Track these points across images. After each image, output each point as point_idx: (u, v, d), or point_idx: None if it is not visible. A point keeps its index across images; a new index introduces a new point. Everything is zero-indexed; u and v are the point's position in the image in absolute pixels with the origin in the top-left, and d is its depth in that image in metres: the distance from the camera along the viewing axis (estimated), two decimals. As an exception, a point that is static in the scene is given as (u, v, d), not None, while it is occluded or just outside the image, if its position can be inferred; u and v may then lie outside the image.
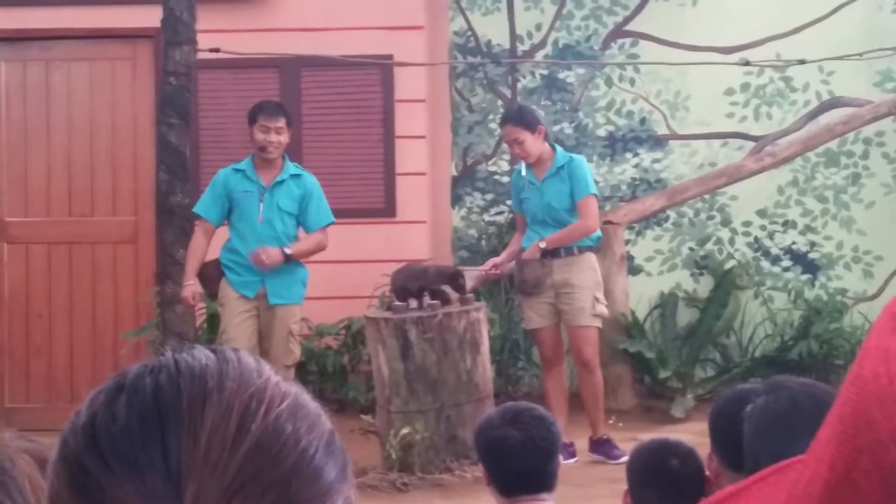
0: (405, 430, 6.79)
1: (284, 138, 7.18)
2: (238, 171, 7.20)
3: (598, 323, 7.35)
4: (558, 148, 7.51)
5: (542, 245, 7.25)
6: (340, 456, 0.90)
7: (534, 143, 7.29)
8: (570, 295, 7.27)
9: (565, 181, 7.31)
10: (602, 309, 7.33)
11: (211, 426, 0.86)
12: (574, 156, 7.52)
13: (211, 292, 7.35)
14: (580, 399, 7.52)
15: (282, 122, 7.17)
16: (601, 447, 7.37)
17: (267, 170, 7.18)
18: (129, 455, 0.85)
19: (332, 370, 8.32)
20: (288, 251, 7.07)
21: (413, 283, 7.16)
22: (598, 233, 7.48)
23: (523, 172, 7.49)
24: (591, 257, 7.38)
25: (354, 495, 0.91)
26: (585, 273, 7.29)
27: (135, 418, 0.87)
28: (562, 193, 7.31)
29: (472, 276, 7.76)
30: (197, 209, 7.20)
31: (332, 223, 7.29)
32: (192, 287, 7.08)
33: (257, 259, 6.99)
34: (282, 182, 7.17)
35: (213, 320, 8.27)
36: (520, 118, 7.38)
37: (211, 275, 7.25)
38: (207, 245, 7.16)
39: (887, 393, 0.61)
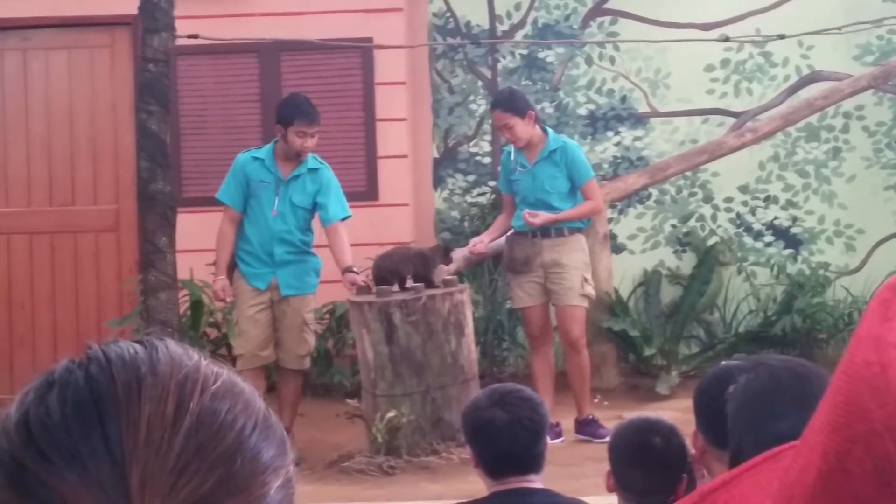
0: (391, 414, 6.79)
1: (316, 140, 7.20)
2: (257, 159, 7.19)
3: (585, 303, 7.39)
4: (550, 131, 7.51)
5: (555, 217, 7.22)
6: (278, 434, 0.90)
7: (523, 128, 7.28)
8: (560, 274, 7.29)
9: (559, 165, 7.32)
10: (590, 289, 7.37)
11: (149, 410, 0.86)
12: (567, 140, 7.53)
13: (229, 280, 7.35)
14: (567, 378, 7.54)
15: (317, 127, 7.18)
16: (587, 427, 7.40)
17: (286, 162, 7.19)
18: (69, 446, 0.85)
19: (316, 355, 8.31)
20: (353, 268, 7.14)
21: (406, 269, 7.14)
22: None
23: (512, 155, 7.49)
24: (580, 238, 7.42)
25: (294, 474, 0.91)
26: (575, 253, 7.32)
27: (70, 410, 0.86)
28: (555, 177, 7.32)
29: (456, 257, 7.76)
30: (221, 197, 7.20)
31: (349, 217, 7.30)
32: (222, 280, 7.10)
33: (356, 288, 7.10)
34: (298, 176, 7.18)
35: (197, 307, 8.27)
36: (509, 103, 7.33)
37: (229, 265, 7.24)
38: (234, 234, 7.16)
39: (879, 381, 0.61)
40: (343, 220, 7.24)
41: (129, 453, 0.84)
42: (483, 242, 7.61)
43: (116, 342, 0.92)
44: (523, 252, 7.36)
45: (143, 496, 0.84)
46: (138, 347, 0.91)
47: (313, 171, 7.24)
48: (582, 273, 7.31)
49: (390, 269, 7.19)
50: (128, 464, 0.84)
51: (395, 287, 7.11)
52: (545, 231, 7.30)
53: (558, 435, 7.26)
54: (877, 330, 0.63)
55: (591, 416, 7.44)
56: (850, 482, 0.61)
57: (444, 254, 7.39)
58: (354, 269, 7.15)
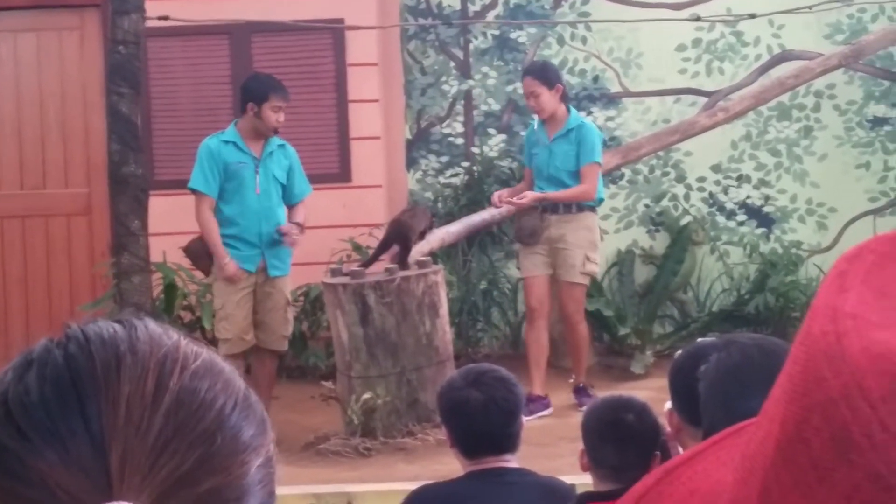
0: (366, 395, 6.80)
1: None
2: (227, 142, 7.15)
3: (585, 281, 7.57)
4: (573, 110, 7.68)
5: (542, 196, 7.42)
6: (258, 413, 0.90)
7: (549, 99, 7.46)
8: (563, 251, 7.44)
9: (573, 144, 7.48)
10: (592, 268, 7.55)
11: (128, 388, 0.86)
12: (585, 121, 7.73)
13: (202, 269, 7.32)
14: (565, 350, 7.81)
15: (288, 101, 7.23)
16: (577, 394, 7.62)
17: (255, 141, 7.19)
18: (48, 425, 0.85)
19: (291, 337, 8.31)
20: (302, 227, 7.25)
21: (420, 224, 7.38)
22: (601, 194, 7.69)
23: (535, 127, 7.69)
24: (588, 216, 7.55)
25: (275, 451, 0.91)
26: (580, 232, 7.46)
27: (49, 389, 0.86)
28: (567, 155, 7.48)
29: (431, 238, 7.77)
30: (199, 186, 7.09)
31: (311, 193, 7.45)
32: (233, 263, 7.04)
33: (291, 240, 7.13)
34: (272, 153, 7.22)
35: (170, 290, 8.24)
36: (540, 72, 7.59)
37: (200, 251, 7.20)
38: None
39: (835, 350, 0.62)
40: (306, 197, 7.40)
41: (109, 432, 0.84)
42: (507, 194, 7.68)
43: (96, 321, 0.91)
44: (530, 223, 7.52)
45: (123, 475, 0.83)
46: (117, 326, 0.90)
47: (281, 146, 7.32)
48: (585, 252, 7.46)
49: (412, 230, 7.32)
50: (107, 443, 0.84)
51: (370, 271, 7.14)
52: (554, 207, 7.48)
53: (546, 406, 7.44)
54: (833, 300, 0.64)
55: (582, 385, 7.64)
56: (809, 451, 0.62)
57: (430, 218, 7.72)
58: (300, 227, 7.25)
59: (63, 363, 0.87)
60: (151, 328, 0.91)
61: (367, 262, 7.37)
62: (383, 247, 7.33)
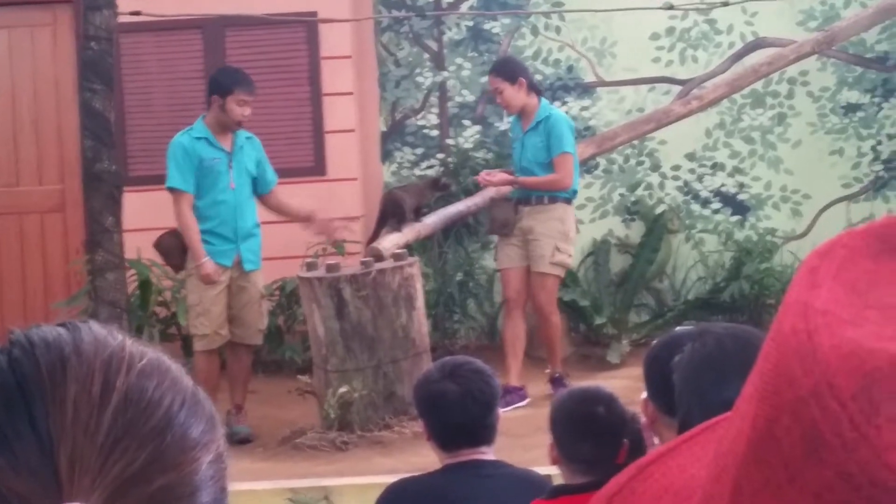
0: (343, 389, 6.79)
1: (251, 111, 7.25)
2: (200, 138, 7.11)
3: (556, 272, 7.59)
4: (544, 101, 7.68)
5: (512, 178, 7.54)
6: (207, 410, 0.90)
7: (513, 95, 7.50)
8: (533, 242, 7.49)
9: (542, 136, 7.50)
10: (563, 258, 7.55)
11: (75, 390, 0.86)
12: (553, 111, 7.71)
13: (173, 264, 7.28)
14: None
15: (254, 97, 7.19)
16: (553, 384, 7.61)
17: (223, 135, 7.17)
18: None
19: (267, 331, 8.30)
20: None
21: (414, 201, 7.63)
22: (576, 186, 7.69)
23: (513, 122, 7.81)
24: (560, 208, 7.57)
25: (225, 448, 0.91)
26: (550, 222, 7.49)
27: None
28: (537, 147, 7.52)
29: (406, 230, 7.77)
30: (178, 185, 7.04)
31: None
32: (210, 262, 7.01)
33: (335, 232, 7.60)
34: (241, 147, 7.21)
35: (145, 287, 8.21)
36: (500, 69, 7.67)
37: (171, 246, 7.16)
38: None
39: (807, 348, 0.62)
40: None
41: (57, 434, 0.84)
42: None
43: (39, 326, 0.91)
44: (502, 215, 7.62)
45: (73, 476, 0.83)
46: (61, 329, 0.90)
47: (249, 139, 7.31)
48: (555, 242, 7.48)
49: (401, 203, 7.56)
50: (56, 445, 0.84)
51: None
52: (527, 198, 7.54)
53: (523, 398, 7.45)
54: (804, 297, 0.64)
55: (557, 374, 7.64)
56: (780, 450, 0.61)
57: (435, 184, 7.96)
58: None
59: (7, 368, 0.87)
60: (96, 330, 0.90)
61: (371, 239, 7.57)
62: (381, 222, 7.57)
